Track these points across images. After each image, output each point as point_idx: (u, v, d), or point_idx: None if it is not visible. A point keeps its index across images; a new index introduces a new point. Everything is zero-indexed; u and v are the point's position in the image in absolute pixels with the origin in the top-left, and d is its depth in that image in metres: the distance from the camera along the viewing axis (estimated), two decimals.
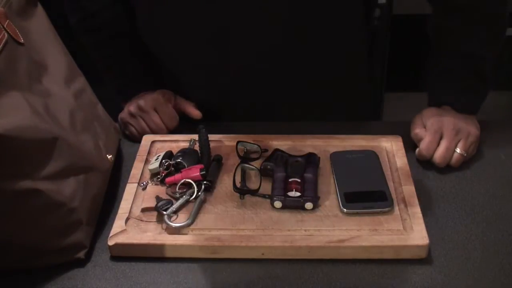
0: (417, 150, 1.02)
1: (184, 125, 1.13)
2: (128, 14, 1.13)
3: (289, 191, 0.91)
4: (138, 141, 1.07)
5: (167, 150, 1.01)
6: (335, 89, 1.15)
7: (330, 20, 1.07)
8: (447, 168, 1.01)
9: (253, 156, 1.01)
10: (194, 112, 1.13)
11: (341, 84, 1.15)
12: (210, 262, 0.85)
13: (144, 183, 0.96)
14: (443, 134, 1.01)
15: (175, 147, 1.03)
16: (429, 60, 1.10)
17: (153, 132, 1.10)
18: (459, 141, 1.01)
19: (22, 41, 0.85)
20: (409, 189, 0.93)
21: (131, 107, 1.11)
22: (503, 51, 1.10)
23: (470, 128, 1.03)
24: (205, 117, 1.13)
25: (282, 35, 1.07)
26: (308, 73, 1.12)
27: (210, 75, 1.13)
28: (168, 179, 0.95)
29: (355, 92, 1.19)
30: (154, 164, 0.97)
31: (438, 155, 1.00)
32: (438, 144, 1.01)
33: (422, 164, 1.02)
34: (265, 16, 1.04)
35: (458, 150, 1.00)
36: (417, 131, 1.03)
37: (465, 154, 1.00)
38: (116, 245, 0.85)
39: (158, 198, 0.92)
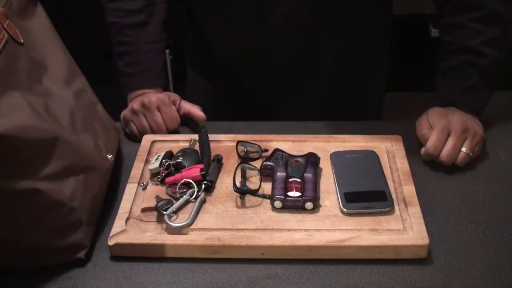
0: (423, 149, 1.02)
1: (184, 125, 1.13)
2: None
3: (289, 191, 0.91)
4: (138, 141, 1.07)
5: (167, 150, 1.01)
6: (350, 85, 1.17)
7: (354, 17, 1.11)
8: (447, 168, 1.01)
9: (253, 156, 1.01)
10: (199, 114, 1.13)
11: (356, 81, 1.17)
12: (210, 262, 0.85)
13: (144, 183, 0.96)
14: (451, 132, 1.01)
15: (175, 147, 1.03)
16: (437, 60, 1.11)
17: (153, 131, 1.10)
18: (465, 140, 1.01)
19: (22, 41, 0.85)
20: (409, 189, 0.93)
21: (135, 104, 1.11)
22: None
23: (476, 128, 1.03)
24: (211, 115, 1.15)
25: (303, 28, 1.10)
26: (324, 72, 1.14)
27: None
28: (168, 179, 0.95)
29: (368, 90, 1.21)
30: (154, 164, 0.97)
31: (445, 153, 0.99)
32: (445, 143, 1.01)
33: (422, 164, 1.02)
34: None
35: (464, 149, 1.00)
36: (424, 131, 1.03)
37: (471, 154, 1.00)
38: (116, 245, 0.85)
39: (158, 198, 0.92)
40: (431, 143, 1.00)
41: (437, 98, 1.10)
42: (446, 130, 1.01)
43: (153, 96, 1.11)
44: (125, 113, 1.13)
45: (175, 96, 1.14)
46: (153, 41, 1.18)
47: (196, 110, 1.13)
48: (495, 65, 1.07)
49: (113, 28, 1.17)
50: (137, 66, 1.17)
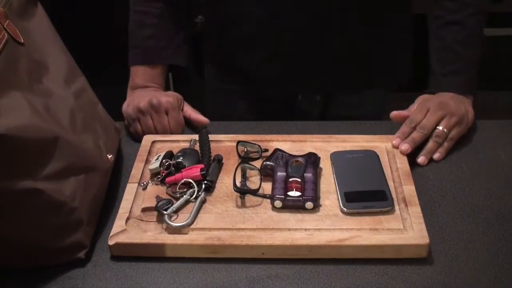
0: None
1: (184, 125, 1.13)
2: None
3: (290, 191, 0.91)
4: (139, 141, 1.07)
5: (167, 150, 1.01)
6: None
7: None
8: (447, 168, 1.01)
9: (253, 156, 1.01)
10: (202, 119, 1.13)
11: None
12: (210, 262, 0.85)
13: (145, 183, 0.96)
14: (429, 110, 1.05)
15: (176, 147, 1.03)
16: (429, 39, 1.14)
17: (157, 133, 1.09)
18: (442, 118, 1.04)
19: (22, 41, 0.85)
20: (409, 189, 0.93)
21: (142, 103, 1.10)
22: (503, 51, 1.10)
23: (458, 109, 1.05)
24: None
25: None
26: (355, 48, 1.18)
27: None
28: (168, 179, 0.95)
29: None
30: (154, 164, 0.97)
31: (420, 124, 1.03)
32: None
33: (422, 164, 1.02)
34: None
35: (440, 127, 1.03)
36: (401, 111, 1.08)
37: (445, 131, 1.03)
38: (117, 244, 0.85)
39: (158, 198, 0.92)
40: (408, 118, 1.05)
41: (429, 84, 1.13)
42: (425, 108, 1.05)
43: (162, 98, 1.10)
44: (129, 111, 1.11)
45: (180, 99, 1.14)
46: (177, 18, 1.18)
47: (199, 116, 1.13)
48: (482, 39, 1.10)
49: None
50: (160, 40, 1.17)
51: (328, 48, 1.17)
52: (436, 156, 1.02)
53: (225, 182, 0.96)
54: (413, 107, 1.08)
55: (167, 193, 0.94)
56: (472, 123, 1.08)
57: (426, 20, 1.13)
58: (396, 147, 1.01)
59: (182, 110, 1.14)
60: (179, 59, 1.19)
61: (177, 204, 0.90)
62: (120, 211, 0.90)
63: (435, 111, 1.04)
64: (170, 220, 0.88)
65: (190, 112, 1.14)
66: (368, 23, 1.15)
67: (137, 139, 1.09)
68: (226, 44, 1.24)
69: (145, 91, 1.14)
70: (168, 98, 1.11)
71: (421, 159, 1.02)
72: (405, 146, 1.01)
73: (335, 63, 1.19)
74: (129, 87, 1.17)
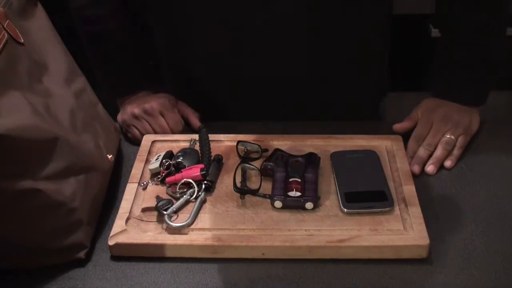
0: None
1: (184, 125, 1.13)
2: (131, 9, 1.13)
3: (290, 191, 0.91)
4: (139, 142, 1.06)
5: (167, 150, 1.01)
6: (351, 87, 1.16)
7: (350, 17, 1.09)
8: (447, 168, 1.01)
9: (254, 156, 1.01)
10: (195, 123, 1.12)
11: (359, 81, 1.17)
12: (210, 262, 0.85)
13: (145, 183, 0.96)
14: (433, 124, 1.05)
15: (176, 147, 1.03)
16: (435, 54, 1.12)
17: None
18: (447, 130, 1.04)
19: (22, 41, 0.85)
20: (409, 189, 0.93)
21: (136, 109, 1.10)
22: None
23: (462, 119, 1.05)
24: (208, 116, 1.13)
25: (295, 28, 1.07)
26: (321, 70, 1.13)
27: (220, 68, 1.13)
28: (168, 179, 0.95)
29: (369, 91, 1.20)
30: (154, 164, 0.97)
31: (426, 142, 1.03)
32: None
33: (431, 174, 1.02)
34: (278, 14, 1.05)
35: (447, 135, 1.03)
36: (403, 123, 1.07)
37: (453, 138, 1.03)
38: (117, 245, 0.85)
39: (158, 198, 0.92)
40: (413, 134, 1.04)
41: (434, 92, 1.11)
42: (429, 122, 1.05)
43: (154, 101, 1.10)
44: (125, 117, 1.11)
45: (173, 99, 1.13)
46: (130, 45, 1.15)
47: (193, 118, 1.13)
48: (496, 54, 1.08)
49: (86, 35, 1.13)
50: (118, 74, 1.15)
51: (295, 80, 1.13)
52: (447, 164, 1.01)
53: (225, 182, 0.96)
54: (416, 113, 1.07)
55: (167, 193, 0.94)
56: (475, 130, 1.08)
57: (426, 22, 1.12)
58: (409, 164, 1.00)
59: (178, 109, 1.13)
60: (145, 86, 1.16)
61: (177, 204, 0.90)
62: (120, 211, 0.90)
63: (440, 127, 1.04)
64: (170, 220, 0.88)
65: (188, 112, 1.14)
66: (336, 63, 1.12)
67: (138, 141, 1.08)
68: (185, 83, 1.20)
69: (135, 98, 1.14)
70: (160, 99, 1.11)
71: (430, 168, 1.00)
72: (416, 168, 1.00)
73: (302, 96, 1.15)
74: (118, 102, 1.16)
